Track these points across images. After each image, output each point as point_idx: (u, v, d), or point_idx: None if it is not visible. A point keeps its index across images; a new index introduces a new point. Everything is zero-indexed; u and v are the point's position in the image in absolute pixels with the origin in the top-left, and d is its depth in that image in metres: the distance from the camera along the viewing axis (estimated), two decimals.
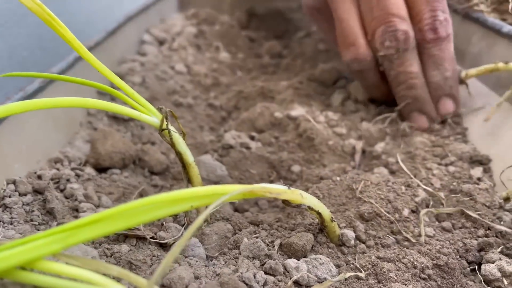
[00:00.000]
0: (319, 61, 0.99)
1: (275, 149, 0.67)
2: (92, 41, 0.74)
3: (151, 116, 0.45)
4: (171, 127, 0.45)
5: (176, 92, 0.84)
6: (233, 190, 0.31)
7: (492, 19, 0.69)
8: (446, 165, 0.53)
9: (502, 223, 0.45)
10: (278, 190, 0.35)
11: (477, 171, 0.52)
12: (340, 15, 0.64)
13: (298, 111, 0.69)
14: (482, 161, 0.55)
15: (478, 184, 0.50)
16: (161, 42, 0.99)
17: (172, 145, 0.46)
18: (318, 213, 0.41)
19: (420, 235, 0.45)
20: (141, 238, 0.43)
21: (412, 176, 0.50)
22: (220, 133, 0.77)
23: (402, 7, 0.60)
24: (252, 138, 0.70)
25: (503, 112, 0.60)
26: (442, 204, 0.48)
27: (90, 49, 0.73)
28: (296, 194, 0.37)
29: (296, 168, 0.63)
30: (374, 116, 0.70)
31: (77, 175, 0.54)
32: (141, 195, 0.55)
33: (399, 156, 0.56)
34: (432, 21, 0.59)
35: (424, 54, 0.62)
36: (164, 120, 0.44)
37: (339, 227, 0.45)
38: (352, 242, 0.44)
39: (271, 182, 0.63)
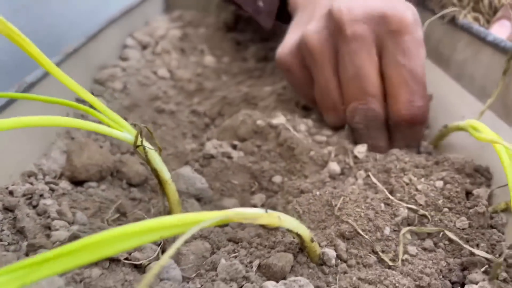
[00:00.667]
0: None
1: (257, 159, 0.66)
2: (71, 47, 0.72)
3: (123, 132, 0.43)
4: (146, 143, 0.44)
5: (159, 98, 0.82)
6: (206, 219, 0.30)
7: (478, 26, 0.68)
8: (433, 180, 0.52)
9: (482, 245, 0.44)
10: (254, 215, 0.34)
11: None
12: (321, 81, 0.65)
13: (279, 119, 0.67)
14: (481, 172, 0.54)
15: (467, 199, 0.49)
16: (144, 46, 0.97)
17: (148, 162, 0.44)
18: (298, 235, 0.40)
19: (403, 254, 0.44)
20: (114, 260, 0.41)
21: (388, 193, 0.49)
22: (203, 140, 0.75)
23: (377, 85, 0.60)
24: (234, 147, 0.69)
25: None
26: (426, 222, 0.47)
27: (69, 55, 0.71)
28: (273, 218, 0.36)
29: (277, 179, 0.61)
30: None
31: (52, 190, 0.52)
32: (118, 209, 0.54)
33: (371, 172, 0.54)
34: (409, 106, 0.59)
35: (395, 131, 0.62)
36: (139, 136, 0.42)
37: (320, 246, 0.44)
38: (333, 261, 0.43)
39: (253, 193, 0.62)
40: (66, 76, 0.41)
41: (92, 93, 0.78)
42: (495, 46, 0.62)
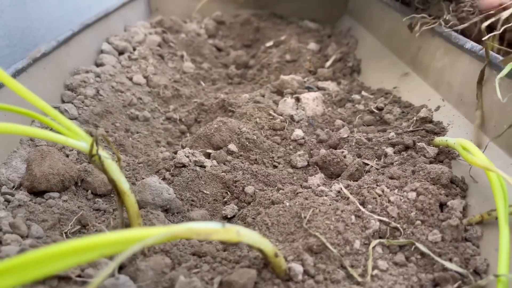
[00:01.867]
0: (285, 72, 0.97)
1: (230, 168, 0.64)
2: (39, 51, 0.70)
3: (79, 140, 0.40)
4: (103, 152, 0.41)
5: (133, 105, 0.80)
6: (150, 236, 0.28)
7: (456, 34, 0.67)
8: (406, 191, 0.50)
9: (456, 260, 0.42)
10: (208, 230, 0.32)
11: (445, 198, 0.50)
12: None
13: (248, 125, 0.66)
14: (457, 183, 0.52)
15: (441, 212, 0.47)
16: (120, 52, 0.94)
17: (105, 172, 0.42)
18: (260, 250, 0.37)
19: (372, 269, 0.42)
20: (64, 278, 0.38)
21: (359, 205, 0.47)
22: (177, 148, 0.73)
23: None
24: (208, 155, 0.67)
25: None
26: (398, 235, 0.45)
27: (36, 59, 0.69)
28: (231, 233, 0.33)
29: (250, 189, 0.59)
30: None
31: (7, 201, 0.50)
32: (79, 221, 0.51)
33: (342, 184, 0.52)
34: None
35: None
36: (94, 145, 0.40)
37: (286, 260, 0.42)
38: (300, 277, 0.41)
39: (225, 203, 0.60)
40: (22, 86, 0.38)
41: (62, 100, 0.75)
42: (473, 53, 0.61)
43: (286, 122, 0.74)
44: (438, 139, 0.57)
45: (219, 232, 0.33)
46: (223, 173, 0.62)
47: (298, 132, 0.71)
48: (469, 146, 0.48)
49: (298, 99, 0.78)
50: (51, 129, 0.47)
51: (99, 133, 0.41)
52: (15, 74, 0.62)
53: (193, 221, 0.53)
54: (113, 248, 0.27)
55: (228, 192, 0.61)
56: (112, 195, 0.58)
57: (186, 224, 0.31)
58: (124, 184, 0.43)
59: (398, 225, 0.46)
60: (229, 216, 0.57)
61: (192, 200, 0.60)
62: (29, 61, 0.66)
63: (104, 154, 0.41)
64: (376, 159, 0.62)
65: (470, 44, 0.62)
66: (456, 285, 0.40)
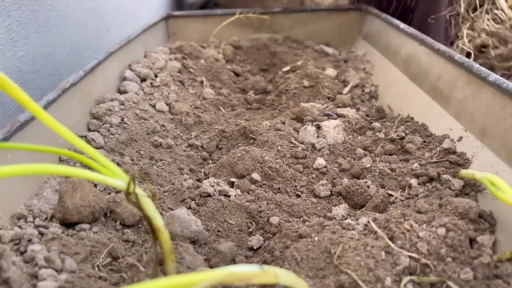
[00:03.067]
0: (303, 98, 0.98)
1: (254, 197, 0.65)
2: (67, 82, 0.72)
3: (117, 179, 0.41)
4: (139, 189, 0.42)
5: (156, 132, 0.81)
6: (196, 283, 0.28)
7: (478, 65, 0.67)
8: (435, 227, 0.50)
9: None
10: (249, 274, 0.32)
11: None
12: None
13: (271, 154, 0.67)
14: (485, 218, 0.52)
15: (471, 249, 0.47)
16: (143, 79, 0.96)
17: (140, 209, 0.43)
18: None
19: None
20: None
21: (388, 240, 0.47)
22: (200, 176, 0.74)
23: None
24: (232, 184, 0.68)
25: None
26: (429, 272, 0.45)
27: (65, 90, 0.70)
28: (269, 276, 0.34)
29: (274, 220, 0.60)
30: None
31: (41, 234, 0.51)
32: (110, 253, 0.52)
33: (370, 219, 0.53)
34: None
35: None
36: (131, 183, 0.41)
37: None
38: None
39: (250, 234, 0.61)
40: (59, 124, 0.40)
41: (89, 128, 0.77)
42: (497, 86, 0.62)
43: (308, 151, 0.74)
44: (464, 172, 0.57)
45: (258, 275, 0.33)
46: (247, 203, 0.63)
47: (320, 161, 0.71)
48: (498, 181, 0.48)
49: (318, 127, 0.79)
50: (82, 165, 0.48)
51: (135, 172, 0.42)
52: (46, 106, 0.64)
53: (221, 253, 0.54)
54: None
55: (253, 222, 0.62)
56: (140, 226, 0.59)
57: (227, 268, 0.32)
58: (159, 221, 0.43)
59: (429, 262, 0.46)
60: (255, 248, 0.58)
61: (218, 231, 0.61)
62: (59, 92, 0.68)
63: (140, 192, 0.42)
64: (400, 190, 0.62)
65: (493, 76, 0.62)
66: None
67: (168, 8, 2.27)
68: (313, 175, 0.70)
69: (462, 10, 0.95)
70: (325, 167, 0.71)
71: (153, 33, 1.24)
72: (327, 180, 0.69)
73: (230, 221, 0.62)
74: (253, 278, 0.33)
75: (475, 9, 0.96)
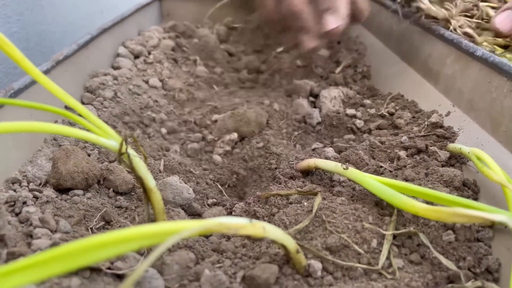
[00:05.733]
0: (296, 77, 0.99)
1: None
2: (61, 54, 0.72)
3: (109, 139, 0.42)
4: (131, 150, 0.43)
5: (149, 107, 0.82)
6: (186, 229, 0.29)
7: (467, 42, 0.68)
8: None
9: (469, 259, 0.44)
10: (237, 225, 0.34)
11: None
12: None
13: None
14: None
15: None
16: (136, 55, 0.97)
17: (132, 169, 0.44)
18: (283, 246, 0.39)
19: (389, 267, 0.43)
20: (96, 269, 0.40)
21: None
22: None
23: None
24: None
25: None
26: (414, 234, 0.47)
27: (59, 62, 0.71)
28: (258, 228, 0.35)
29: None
30: None
31: (35, 197, 0.52)
32: (103, 217, 0.53)
33: None
34: None
35: None
36: (123, 144, 0.42)
37: (306, 257, 0.44)
38: (319, 273, 0.43)
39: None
40: (53, 84, 0.40)
41: (82, 102, 0.77)
42: (484, 61, 0.63)
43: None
44: (451, 146, 0.58)
45: (247, 227, 0.35)
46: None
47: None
48: (484, 157, 0.50)
49: (316, 97, 0.81)
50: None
51: (128, 133, 0.43)
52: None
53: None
54: (151, 239, 0.29)
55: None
56: (132, 194, 0.60)
57: (218, 218, 0.33)
58: (150, 181, 0.44)
59: (413, 227, 0.47)
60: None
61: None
62: (52, 63, 0.68)
63: (132, 152, 0.43)
64: (389, 161, 0.64)
65: (481, 51, 0.63)
66: (469, 282, 0.42)
67: None
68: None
69: None
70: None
71: (147, 13, 1.24)
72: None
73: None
74: (242, 229, 0.34)
75: None
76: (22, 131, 0.38)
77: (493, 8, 0.80)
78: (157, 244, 0.29)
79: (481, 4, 0.80)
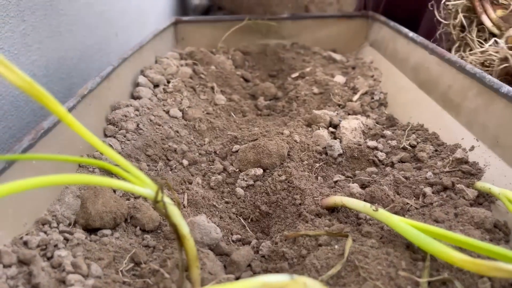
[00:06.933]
0: (313, 104, 0.99)
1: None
2: (86, 89, 0.73)
3: (145, 188, 0.43)
4: (166, 198, 0.43)
5: (170, 138, 0.83)
6: None
7: (490, 77, 0.69)
8: None
9: None
10: (280, 283, 0.33)
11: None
12: None
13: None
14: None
15: None
16: (155, 85, 0.98)
17: (167, 217, 0.44)
18: None
19: None
20: None
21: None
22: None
23: None
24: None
25: None
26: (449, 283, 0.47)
27: (84, 97, 0.72)
28: (300, 285, 0.35)
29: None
30: None
31: (66, 239, 0.52)
32: (132, 259, 0.53)
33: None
34: None
35: None
36: (159, 192, 0.42)
37: None
38: None
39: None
40: (80, 125, 0.40)
41: (105, 134, 0.78)
42: (510, 98, 0.63)
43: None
44: (480, 184, 0.58)
45: (289, 284, 0.34)
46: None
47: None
48: None
49: (335, 127, 0.82)
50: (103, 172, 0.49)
51: (163, 181, 0.44)
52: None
53: (235, 263, 0.55)
54: None
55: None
56: (159, 231, 0.60)
57: (259, 278, 0.33)
58: (184, 228, 0.44)
59: (446, 273, 0.47)
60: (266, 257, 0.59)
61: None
62: (78, 98, 0.69)
63: (168, 200, 0.43)
64: (414, 198, 0.63)
65: (506, 88, 0.64)
66: None
67: (173, 12, 2.29)
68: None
69: (453, 31, 0.96)
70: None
71: (163, 38, 1.26)
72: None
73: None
74: (284, 287, 0.34)
75: (463, 29, 0.98)
76: (50, 184, 0.38)
77: None
78: None
79: None
